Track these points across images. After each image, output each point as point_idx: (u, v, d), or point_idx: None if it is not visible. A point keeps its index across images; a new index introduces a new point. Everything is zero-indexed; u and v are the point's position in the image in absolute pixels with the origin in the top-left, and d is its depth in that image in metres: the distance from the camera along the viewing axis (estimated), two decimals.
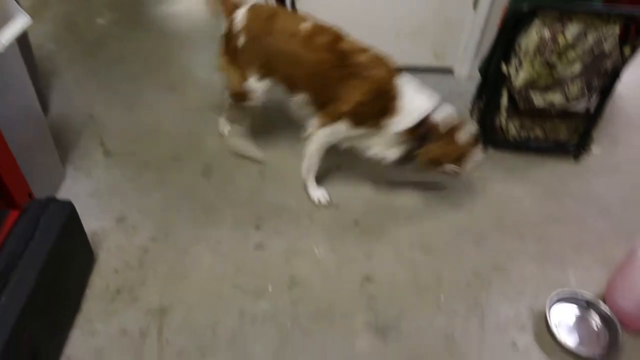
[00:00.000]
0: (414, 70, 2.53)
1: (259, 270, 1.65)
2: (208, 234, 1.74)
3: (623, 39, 1.76)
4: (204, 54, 2.59)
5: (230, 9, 1.75)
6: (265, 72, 1.74)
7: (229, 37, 1.75)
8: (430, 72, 2.56)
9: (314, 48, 1.63)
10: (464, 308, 1.57)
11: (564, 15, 1.72)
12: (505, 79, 1.90)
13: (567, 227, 1.83)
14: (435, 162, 1.69)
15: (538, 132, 2.05)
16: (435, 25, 2.37)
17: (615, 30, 1.72)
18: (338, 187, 1.92)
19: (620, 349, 1.44)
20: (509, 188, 1.97)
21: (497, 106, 1.99)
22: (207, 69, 2.42)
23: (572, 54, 1.77)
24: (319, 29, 1.67)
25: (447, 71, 2.55)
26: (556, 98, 1.87)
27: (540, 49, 1.77)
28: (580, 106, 1.93)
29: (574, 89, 1.83)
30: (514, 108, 1.97)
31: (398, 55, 2.47)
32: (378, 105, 1.63)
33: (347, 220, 1.82)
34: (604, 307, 1.50)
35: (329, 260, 1.69)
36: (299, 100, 1.75)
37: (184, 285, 1.60)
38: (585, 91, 1.83)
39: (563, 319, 1.53)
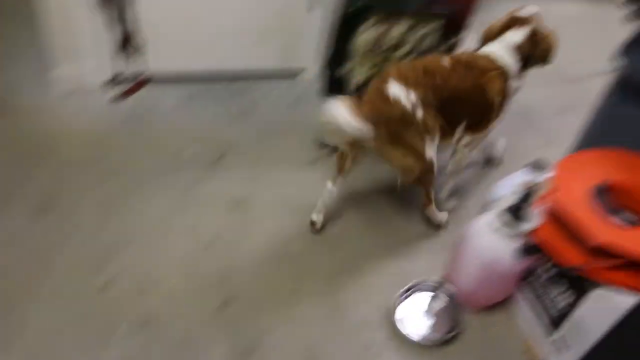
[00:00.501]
0: (265, 73, 2.56)
1: (104, 315, 1.51)
2: (41, 286, 1.56)
3: (446, 34, 1.90)
4: None
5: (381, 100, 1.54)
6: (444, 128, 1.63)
7: (394, 125, 1.53)
8: (280, 75, 2.58)
9: (466, 74, 1.62)
10: (322, 315, 1.58)
11: (392, 15, 1.80)
12: (345, 78, 1.95)
13: (414, 217, 1.92)
14: None
15: None
16: (278, 27, 2.37)
17: (434, 27, 1.85)
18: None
19: (462, 329, 1.54)
20: (366, 184, 2.04)
21: None
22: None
23: (401, 51, 1.88)
24: (456, 58, 1.66)
25: (298, 72, 2.57)
26: None
27: (372, 48, 1.84)
28: None
29: None
30: None
31: (247, 60, 2.46)
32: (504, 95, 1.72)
33: (202, 245, 1.74)
34: (450, 289, 1.59)
35: (183, 288, 1.61)
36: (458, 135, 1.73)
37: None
38: None
39: (416, 309, 1.59)
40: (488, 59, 1.67)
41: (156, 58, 2.34)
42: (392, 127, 1.53)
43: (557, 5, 3.74)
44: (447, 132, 1.66)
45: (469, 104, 1.65)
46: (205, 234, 1.79)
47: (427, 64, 1.60)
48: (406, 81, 1.52)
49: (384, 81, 1.54)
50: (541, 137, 2.38)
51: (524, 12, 1.75)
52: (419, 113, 1.52)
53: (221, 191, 1.95)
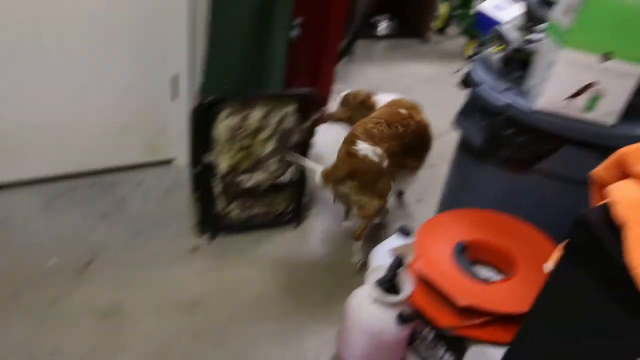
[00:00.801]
0: (134, 167, 2.45)
1: None
2: None
3: (303, 116, 1.96)
4: None
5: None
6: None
7: (366, 177, 1.77)
8: (151, 165, 2.48)
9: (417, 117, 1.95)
10: None
11: (246, 102, 1.82)
12: (211, 168, 1.91)
13: (299, 297, 1.88)
14: None
15: (258, 209, 2.11)
16: (141, 120, 2.30)
17: (291, 109, 1.90)
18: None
19: None
20: (242, 270, 1.96)
21: (212, 194, 1.99)
22: None
23: (262, 135, 1.89)
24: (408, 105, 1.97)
25: (168, 162, 2.49)
26: (261, 177, 1.96)
27: (232, 135, 1.83)
28: (286, 178, 2.06)
29: (273, 166, 1.95)
30: (228, 192, 2.00)
31: (110, 156, 2.35)
32: None
33: None
34: None
35: None
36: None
37: None
38: (282, 166, 1.96)
39: None
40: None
41: (6, 166, 2.14)
42: (364, 178, 1.77)
43: (413, 67, 4.15)
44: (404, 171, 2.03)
45: (420, 143, 1.98)
46: (74, 354, 1.58)
47: (389, 118, 1.84)
48: (372, 139, 1.75)
49: (352, 142, 1.75)
50: (413, 194, 2.51)
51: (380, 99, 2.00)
52: (385, 163, 1.77)
53: (90, 302, 1.76)
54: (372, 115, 1.90)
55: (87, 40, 2.03)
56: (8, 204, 2.16)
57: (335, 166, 1.78)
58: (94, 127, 2.24)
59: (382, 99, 2.03)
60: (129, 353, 1.60)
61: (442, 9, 4.81)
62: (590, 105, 1.38)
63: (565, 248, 0.86)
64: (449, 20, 4.87)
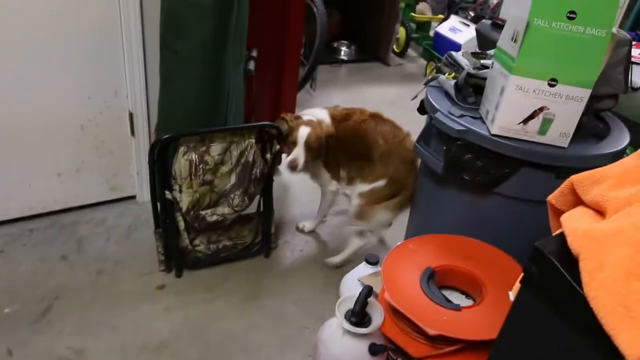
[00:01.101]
0: (94, 205, 2.37)
1: None
2: None
3: (264, 149, 1.94)
4: None
5: None
6: None
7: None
8: (113, 202, 2.41)
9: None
10: None
11: (205, 138, 1.79)
12: (173, 204, 1.86)
13: (269, 330, 1.83)
14: None
15: (226, 242, 2.07)
16: (99, 159, 2.24)
17: (251, 141, 1.88)
18: None
19: None
20: (211, 306, 1.90)
21: (177, 230, 1.94)
22: None
23: (224, 169, 1.86)
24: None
25: (130, 198, 2.42)
26: (225, 210, 1.92)
27: (193, 171, 1.79)
28: (252, 208, 2.03)
29: (236, 199, 1.91)
30: (192, 227, 1.95)
31: (69, 196, 2.26)
32: None
33: None
34: None
35: None
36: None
37: None
38: (245, 199, 1.93)
39: None
40: None
41: None
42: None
43: (376, 90, 4.21)
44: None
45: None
46: None
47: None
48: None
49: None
50: None
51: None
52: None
53: (49, 351, 1.67)
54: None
55: (39, 79, 1.97)
56: None
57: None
58: (52, 167, 2.16)
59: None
60: None
61: (401, 32, 4.93)
62: (544, 130, 1.41)
63: (524, 278, 0.87)
64: (408, 42, 5.00)
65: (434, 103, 1.63)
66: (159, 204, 1.88)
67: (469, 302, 1.43)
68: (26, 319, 1.78)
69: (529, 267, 0.83)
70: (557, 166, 1.40)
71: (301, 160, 1.88)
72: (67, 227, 2.23)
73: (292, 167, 1.89)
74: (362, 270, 1.67)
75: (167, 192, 1.83)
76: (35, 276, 1.97)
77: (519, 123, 1.42)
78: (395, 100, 3.92)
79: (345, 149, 1.99)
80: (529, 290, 0.85)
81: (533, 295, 0.84)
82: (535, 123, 1.41)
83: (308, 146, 1.89)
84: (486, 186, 1.51)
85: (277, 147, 1.94)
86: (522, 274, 0.89)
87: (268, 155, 1.93)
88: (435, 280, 1.43)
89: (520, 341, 0.90)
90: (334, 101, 3.58)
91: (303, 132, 1.88)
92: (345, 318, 1.37)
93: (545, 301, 0.80)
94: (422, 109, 1.72)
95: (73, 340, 1.72)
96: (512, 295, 0.97)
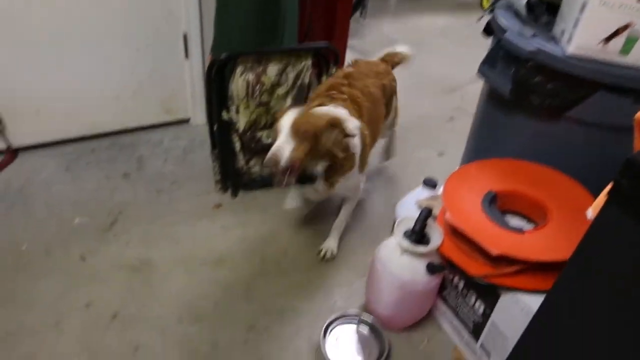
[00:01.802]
0: (151, 127, 2.43)
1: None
2: None
3: (320, 73, 1.90)
4: None
5: None
6: None
7: None
8: (169, 125, 2.45)
9: None
10: None
11: (261, 58, 1.76)
12: (229, 125, 1.87)
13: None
14: None
15: None
16: (154, 81, 2.26)
17: (307, 63, 1.83)
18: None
19: (388, 352, 1.49)
20: (266, 226, 1.96)
21: (233, 151, 1.96)
22: None
23: (280, 91, 1.84)
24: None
25: (185, 122, 2.46)
26: None
27: (249, 91, 1.78)
28: None
29: None
30: (248, 149, 1.97)
31: (127, 117, 2.32)
32: None
33: (104, 321, 1.56)
34: (368, 317, 1.55)
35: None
36: None
37: None
38: None
39: (342, 342, 1.54)
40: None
41: (25, 130, 2.12)
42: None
43: (427, 19, 4.01)
44: None
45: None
46: (106, 308, 1.60)
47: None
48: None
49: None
50: (434, 147, 2.47)
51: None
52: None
53: (118, 259, 1.77)
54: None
55: (97, 3, 1.97)
56: (29, 167, 2.16)
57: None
58: (110, 88, 2.20)
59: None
60: (161, 305, 1.62)
61: None
62: (627, 49, 1.31)
63: (611, 193, 0.83)
64: None
65: (502, 23, 1.53)
66: (215, 125, 1.89)
67: (531, 227, 1.41)
68: (95, 230, 1.88)
69: (619, 180, 0.80)
70: (638, 89, 1.31)
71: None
72: (127, 147, 2.29)
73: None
74: (419, 193, 1.66)
75: (224, 113, 1.83)
76: (100, 192, 2.06)
77: (599, 42, 1.32)
78: (445, 30, 3.73)
79: (371, 124, 1.69)
80: (616, 204, 0.81)
81: (620, 210, 0.81)
82: (618, 42, 1.31)
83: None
84: (556, 110, 1.44)
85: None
86: (604, 190, 0.86)
87: (324, 78, 1.89)
88: (497, 205, 1.41)
89: (600, 258, 0.88)
90: (384, 30, 3.45)
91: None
92: (404, 238, 1.38)
93: (633, 217, 0.77)
94: (488, 30, 1.62)
95: (139, 251, 1.81)
96: (591, 213, 0.94)
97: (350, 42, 2.64)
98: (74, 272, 1.70)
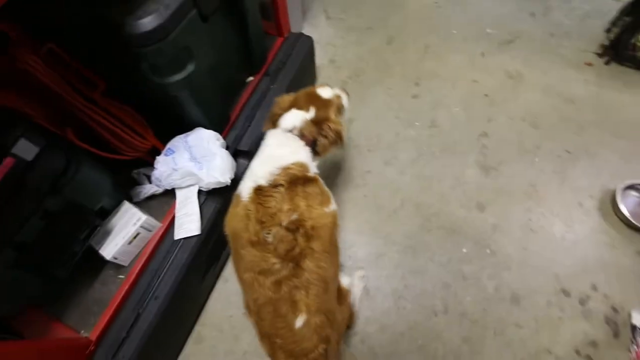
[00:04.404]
0: None
1: (413, 111, 1.92)
2: (384, 81, 2.03)
3: None
4: None
5: None
6: None
7: None
8: None
9: None
10: (551, 170, 1.70)
11: None
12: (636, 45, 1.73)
13: None
14: None
15: None
16: None
17: None
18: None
19: None
20: (622, 97, 1.90)
21: (635, 25, 1.85)
22: None
23: None
24: None
25: None
26: None
27: None
28: None
29: None
30: None
31: None
32: None
33: (478, 95, 1.96)
34: None
35: (460, 115, 1.89)
36: None
37: (364, 108, 1.94)
38: None
39: (627, 200, 1.57)
40: None
41: None
42: None
43: None
44: None
45: None
46: (483, 88, 1.96)
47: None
48: None
49: None
50: None
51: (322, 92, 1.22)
52: None
53: (503, 65, 2.06)
54: None
55: None
56: None
57: None
58: None
59: None
60: (515, 105, 1.90)
61: None
62: None
63: None
64: None
65: None
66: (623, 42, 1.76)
67: None
68: (497, 41, 2.16)
69: None
70: None
71: None
72: None
73: None
74: None
75: (634, 35, 1.67)
76: (504, 17, 2.25)
77: None
78: None
79: None
80: None
81: None
82: None
83: None
84: None
85: None
86: None
87: None
88: None
89: None
90: None
91: None
92: None
93: None
94: None
95: (518, 66, 2.03)
96: None
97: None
98: (475, 61, 2.08)
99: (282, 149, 1.09)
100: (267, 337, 0.99)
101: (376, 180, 1.73)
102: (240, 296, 1.47)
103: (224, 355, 1.40)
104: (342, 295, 1.17)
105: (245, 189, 1.04)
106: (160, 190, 1.33)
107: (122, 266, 1.26)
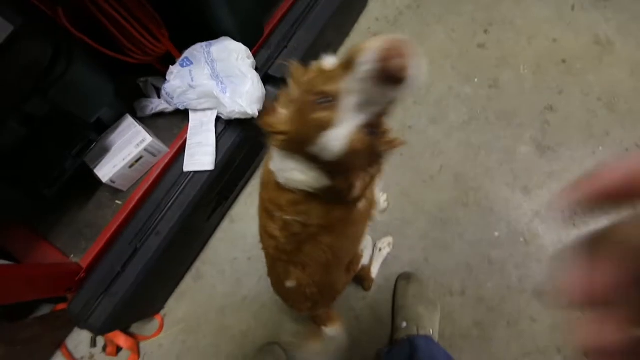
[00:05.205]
0: None
1: (474, 63, 1.55)
2: (448, 19, 1.61)
3: None
4: None
5: None
6: None
7: None
8: None
9: None
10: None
11: None
12: None
13: None
14: None
15: None
16: None
17: None
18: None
19: None
20: None
21: None
22: None
23: None
24: None
25: None
26: None
27: None
28: None
29: None
30: None
31: None
32: None
33: (555, 59, 1.57)
34: None
35: (527, 80, 1.53)
36: None
37: (418, 48, 1.56)
38: None
39: None
40: None
41: None
42: None
43: None
44: None
45: None
46: (562, 50, 1.57)
47: None
48: None
49: None
50: None
51: None
52: None
53: (593, 26, 1.63)
54: None
55: None
56: None
57: None
58: None
59: None
60: (593, 82, 1.53)
61: None
62: None
63: None
64: None
65: None
66: None
67: None
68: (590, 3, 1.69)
69: None
70: None
71: None
72: None
73: None
74: None
75: None
76: None
77: None
78: None
79: None
80: None
81: None
82: None
83: None
84: None
85: None
86: None
87: None
88: None
89: None
90: None
91: None
92: None
93: None
94: None
95: (606, 30, 1.61)
96: None
97: None
98: (562, 14, 1.65)
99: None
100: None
101: (417, 138, 1.44)
102: (246, 240, 1.30)
103: (222, 296, 1.24)
104: (353, 262, 0.96)
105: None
106: (170, 108, 1.04)
107: (121, 191, 1.03)
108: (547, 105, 1.49)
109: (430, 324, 1.18)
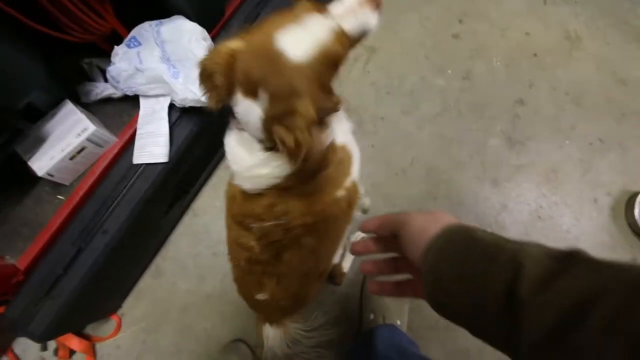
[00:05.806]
0: None
1: (448, 54, 1.46)
2: (423, 7, 1.50)
3: None
4: None
5: None
6: None
7: None
8: None
9: None
10: (578, 157, 1.37)
11: None
12: None
13: None
14: None
15: None
16: None
17: None
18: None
19: None
20: None
21: None
22: None
23: None
24: None
25: None
26: None
27: None
28: None
29: None
30: None
31: None
32: None
33: (527, 52, 1.50)
34: None
35: (500, 73, 1.46)
36: None
37: (391, 37, 1.45)
38: None
39: None
40: None
41: None
42: None
43: None
44: None
45: None
46: (534, 44, 1.50)
47: None
48: None
49: None
50: None
51: None
52: None
53: (563, 20, 1.55)
54: None
55: None
56: None
57: None
58: None
59: None
60: (562, 76, 1.46)
61: None
62: None
63: None
64: None
65: None
66: None
67: None
68: None
69: None
70: None
71: None
72: None
73: None
74: None
75: None
76: None
77: None
78: None
79: None
80: None
81: None
82: None
83: None
84: None
85: None
86: None
87: None
88: None
89: None
90: None
91: None
92: None
93: None
94: None
95: (576, 25, 1.55)
96: None
97: None
98: (534, 7, 1.57)
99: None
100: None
101: (389, 130, 1.34)
102: (210, 235, 1.18)
103: (185, 293, 1.12)
104: (326, 269, 0.88)
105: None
106: (118, 93, 0.90)
107: (63, 185, 0.88)
108: (517, 99, 1.43)
109: (398, 315, 1.11)
